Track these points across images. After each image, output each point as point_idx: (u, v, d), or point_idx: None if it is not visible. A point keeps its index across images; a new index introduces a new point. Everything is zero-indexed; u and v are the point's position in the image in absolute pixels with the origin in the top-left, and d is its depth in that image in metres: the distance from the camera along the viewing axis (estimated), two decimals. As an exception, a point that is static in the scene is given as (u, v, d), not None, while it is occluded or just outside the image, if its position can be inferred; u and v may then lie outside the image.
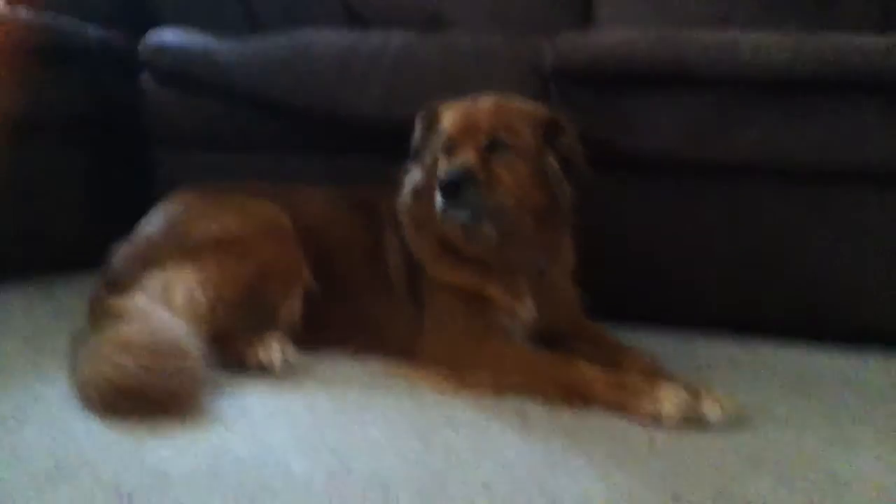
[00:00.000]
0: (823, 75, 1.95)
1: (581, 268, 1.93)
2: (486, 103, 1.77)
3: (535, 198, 1.73)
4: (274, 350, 1.73)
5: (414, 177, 1.82)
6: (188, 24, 2.48)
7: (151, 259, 1.81)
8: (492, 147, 1.70)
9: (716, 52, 2.01)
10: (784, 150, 2.03)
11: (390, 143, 2.09)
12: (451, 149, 1.72)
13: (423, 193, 1.78)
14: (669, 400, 1.53)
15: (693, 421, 1.52)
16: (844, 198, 2.05)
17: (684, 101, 2.06)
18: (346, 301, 1.89)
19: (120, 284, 1.80)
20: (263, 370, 1.72)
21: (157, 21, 2.54)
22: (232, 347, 1.73)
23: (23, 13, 2.46)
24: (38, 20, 2.54)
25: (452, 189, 1.62)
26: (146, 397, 1.47)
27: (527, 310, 1.81)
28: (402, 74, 2.23)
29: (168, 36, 2.42)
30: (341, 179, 2.14)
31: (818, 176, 2.05)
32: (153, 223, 1.91)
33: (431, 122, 1.81)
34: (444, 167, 1.69)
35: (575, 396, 1.60)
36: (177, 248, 1.82)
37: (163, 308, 1.68)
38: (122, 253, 1.88)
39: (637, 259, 2.18)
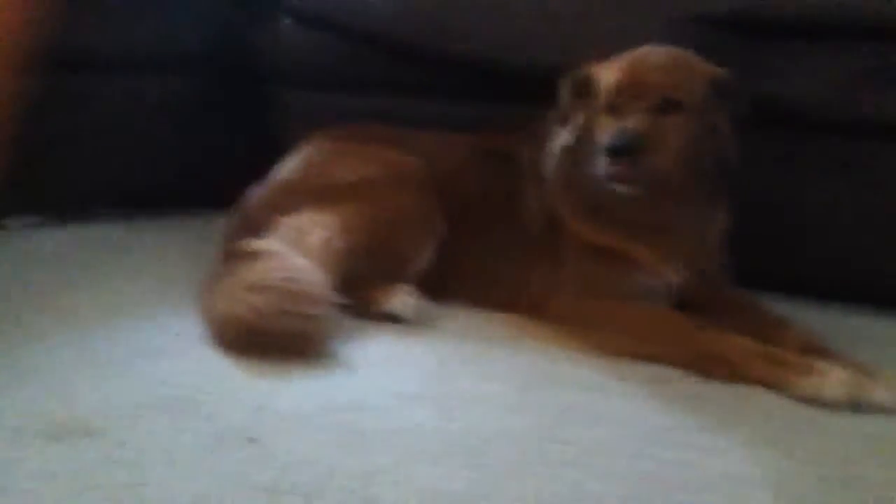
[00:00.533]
0: None
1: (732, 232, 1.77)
2: (655, 57, 1.63)
3: (701, 161, 1.61)
4: (404, 299, 1.69)
5: (564, 137, 1.71)
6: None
7: (287, 203, 1.80)
8: (663, 106, 1.57)
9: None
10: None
11: (524, 89, 2.02)
12: (616, 108, 1.59)
13: (573, 153, 1.68)
14: (835, 380, 1.37)
15: (859, 404, 1.36)
16: None
17: (844, 52, 1.87)
18: (479, 253, 1.83)
19: (254, 227, 1.80)
20: (392, 318, 1.68)
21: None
22: (362, 294, 1.70)
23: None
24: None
25: (622, 155, 1.51)
26: (277, 338, 1.46)
27: (675, 273, 1.68)
28: (540, 19, 2.12)
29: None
30: (474, 126, 2.06)
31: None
32: (289, 168, 1.90)
33: (582, 85, 1.69)
34: (611, 129, 1.56)
35: (722, 369, 1.46)
36: (312, 194, 1.80)
37: (297, 251, 1.66)
38: (257, 196, 1.89)
39: (784, 224, 2.00)
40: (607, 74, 1.64)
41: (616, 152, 1.51)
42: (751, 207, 1.78)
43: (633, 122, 1.54)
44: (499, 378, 1.45)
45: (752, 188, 1.80)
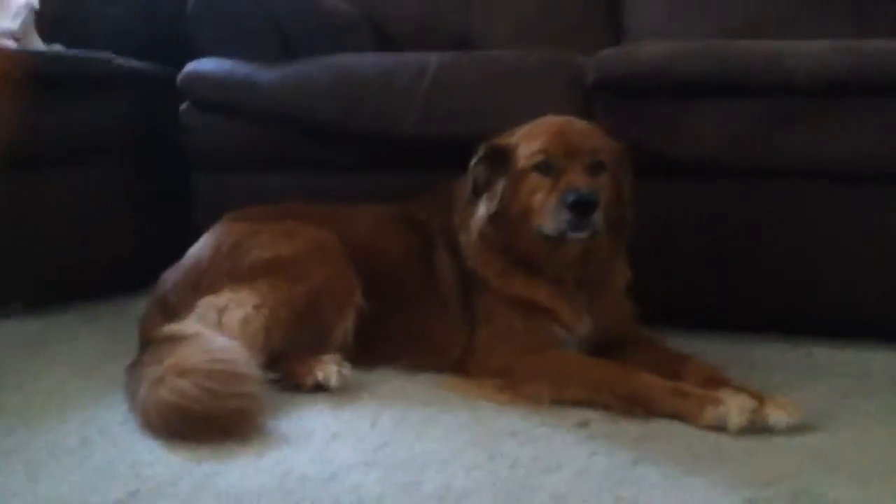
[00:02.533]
0: (870, 80, 1.97)
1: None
2: (576, 124, 1.81)
3: (613, 217, 1.77)
4: (330, 369, 1.72)
5: (487, 205, 1.82)
6: (223, 55, 2.49)
7: (204, 284, 1.82)
8: (593, 167, 1.74)
9: (760, 61, 2.03)
10: (828, 153, 2.03)
11: (430, 160, 2.17)
12: (550, 170, 1.73)
13: (497, 217, 1.80)
14: (734, 407, 1.51)
15: (758, 427, 1.50)
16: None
17: (727, 109, 2.07)
18: (398, 317, 1.89)
19: (172, 310, 1.82)
20: (320, 390, 1.71)
21: (192, 53, 2.57)
22: (288, 368, 1.74)
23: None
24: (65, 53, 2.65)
25: (587, 209, 1.65)
26: (209, 421, 1.47)
27: (585, 324, 1.81)
28: (443, 92, 2.23)
29: (206, 64, 2.45)
30: (381, 197, 2.15)
31: (864, 178, 2.04)
32: (204, 248, 1.92)
33: (497, 156, 1.81)
34: (568, 187, 1.68)
35: (636, 406, 1.59)
36: (229, 273, 1.83)
37: (218, 331, 1.68)
38: (173, 278, 1.90)
39: (680, 263, 2.17)
40: (530, 142, 1.77)
41: (579, 207, 1.65)
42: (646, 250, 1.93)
43: (579, 181, 1.68)
44: (433, 438, 1.51)
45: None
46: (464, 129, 2.07)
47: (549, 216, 1.69)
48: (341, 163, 2.38)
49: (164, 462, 1.40)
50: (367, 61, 2.37)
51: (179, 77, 2.46)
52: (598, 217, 1.67)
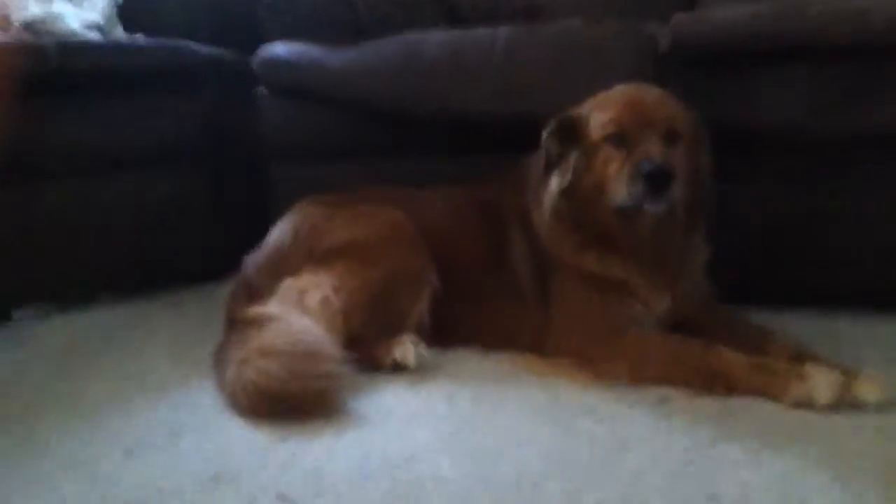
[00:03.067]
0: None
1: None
2: (650, 93, 1.74)
3: (690, 190, 1.71)
4: (407, 349, 1.75)
5: (560, 180, 1.79)
6: (295, 38, 2.52)
7: (284, 268, 1.87)
8: (669, 137, 1.67)
9: (845, 18, 1.90)
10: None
11: (503, 139, 2.12)
12: (622, 141, 1.68)
13: (570, 192, 1.77)
14: (821, 382, 1.47)
15: (847, 403, 1.45)
16: None
17: (810, 73, 1.96)
18: (472, 299, 1.90)
19: (255, 293, 1.87)
20: (398, 370, 1.74)
21: (263, 37, 2.61)
22: (366, 349, 1.77)
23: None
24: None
25: (663, 181, 1.61)
26: (292, 400, 1.52)
27: (663, 301, 1.78)
28: (514, 67, 2.19)
29: (280, 48, 2.47)
30: (455, 179, 2.14)
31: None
32: (283, 233, 1.97)
33: (568, 129, 1.78)
34: (643, 157, 1.63)
35: (718, 383, 1.55)
36: (308, 257, 1.88)
37: (300, 314, 1.73)
38: (254, 263, 1.96)
39: (759, 238, 2.10)
40: (602, 112, 1.73)
41: (655, 178, 1.60)
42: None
43: (654, 151, 1.63)
44: (510, 417, 1.52)
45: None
46: (536, 105, 2.03)
47: (623, 188, 1.65)
48: (411, 146, 2.38)
49: (250, 441, 1.46)
50: (434, 39, 2.34)
51: (255, 62, 2.50)
52: (675, 189, 1.63)
